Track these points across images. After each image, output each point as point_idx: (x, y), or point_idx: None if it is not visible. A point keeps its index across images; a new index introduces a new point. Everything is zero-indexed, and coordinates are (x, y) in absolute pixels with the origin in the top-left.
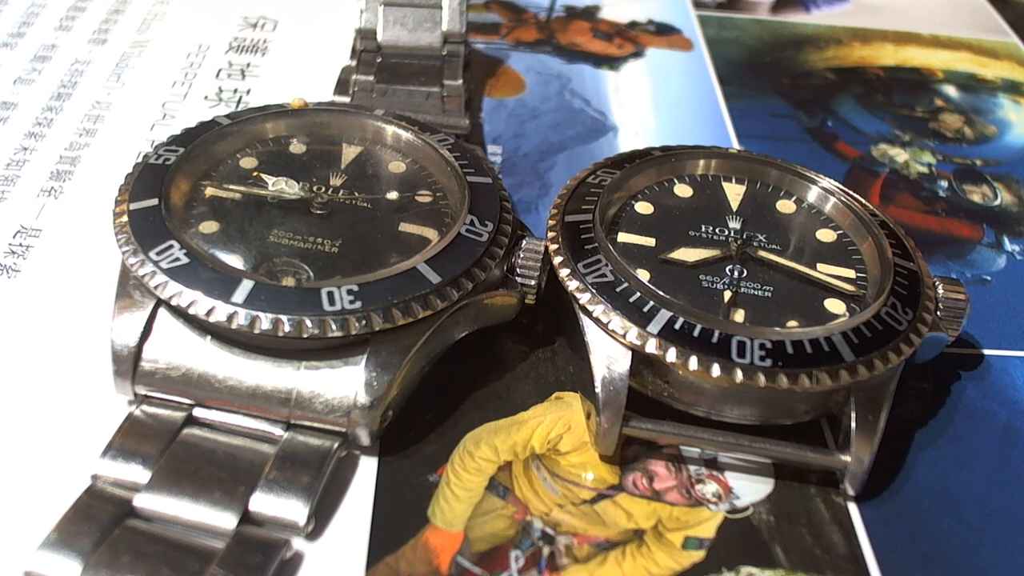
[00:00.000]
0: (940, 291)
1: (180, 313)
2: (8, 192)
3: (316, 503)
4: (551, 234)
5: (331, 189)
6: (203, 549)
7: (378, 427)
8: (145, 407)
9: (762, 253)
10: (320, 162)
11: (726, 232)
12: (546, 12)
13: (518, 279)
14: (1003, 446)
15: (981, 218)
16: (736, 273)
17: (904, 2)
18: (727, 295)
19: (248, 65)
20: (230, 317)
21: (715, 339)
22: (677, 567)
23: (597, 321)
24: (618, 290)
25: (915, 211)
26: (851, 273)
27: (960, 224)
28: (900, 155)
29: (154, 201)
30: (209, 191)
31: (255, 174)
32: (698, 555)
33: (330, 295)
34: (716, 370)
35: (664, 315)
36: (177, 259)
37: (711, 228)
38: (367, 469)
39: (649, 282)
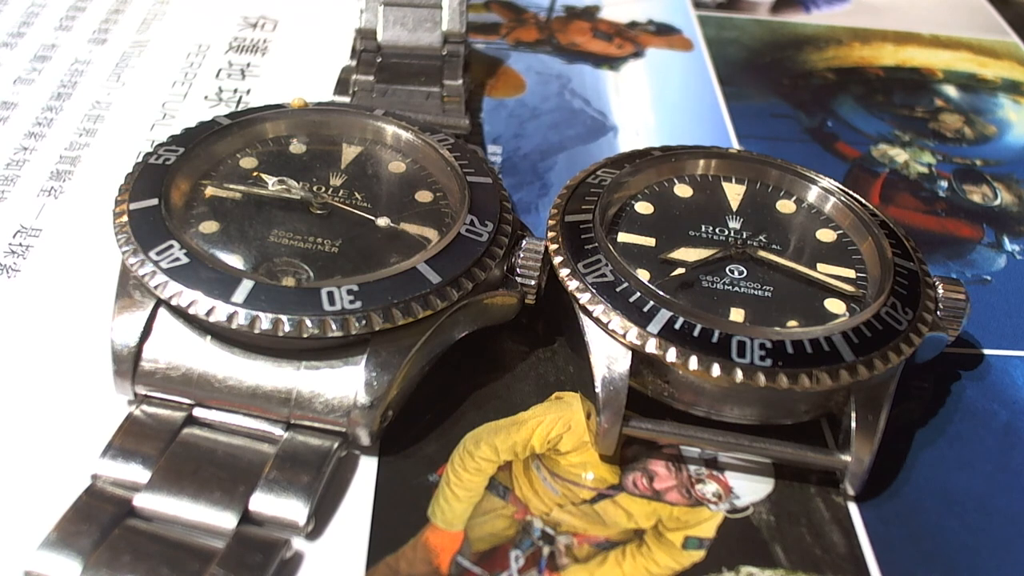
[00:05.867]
0: (940, 291)
1: (180, 313)
2: (8, 192)
3: (316, 503)
4: (551, 234)
5: (331, 189)
6: (203, 549)
7: (378, 427)
8: (145, 407)
9: (762, 253)
10: (320, 162)
11: (726, 232)
12: (546, 12)
13: (518, 279)
14: (1003, 446)
15: (981, 218)
16: (735, 272)
17: (904, 2)
18: (679, 271)
19: (248, 65)
20: (230, 317)
21: (715, 339)
22: (677, 567)
23: (597, 321)
24: (618, 290)
25: (915, 211)
26: (851, 273)
27: (960, 224)
28: (900, 155)
29: (154, 201)
30: (209, 191)
31: (255, 174)
32: (698, 555)
33: (330, 295)
34: (716, 370)
35: (664, 315)
36: (177, 259)
37: (711, 228)
38: (367, 469)
39: (649, 282)
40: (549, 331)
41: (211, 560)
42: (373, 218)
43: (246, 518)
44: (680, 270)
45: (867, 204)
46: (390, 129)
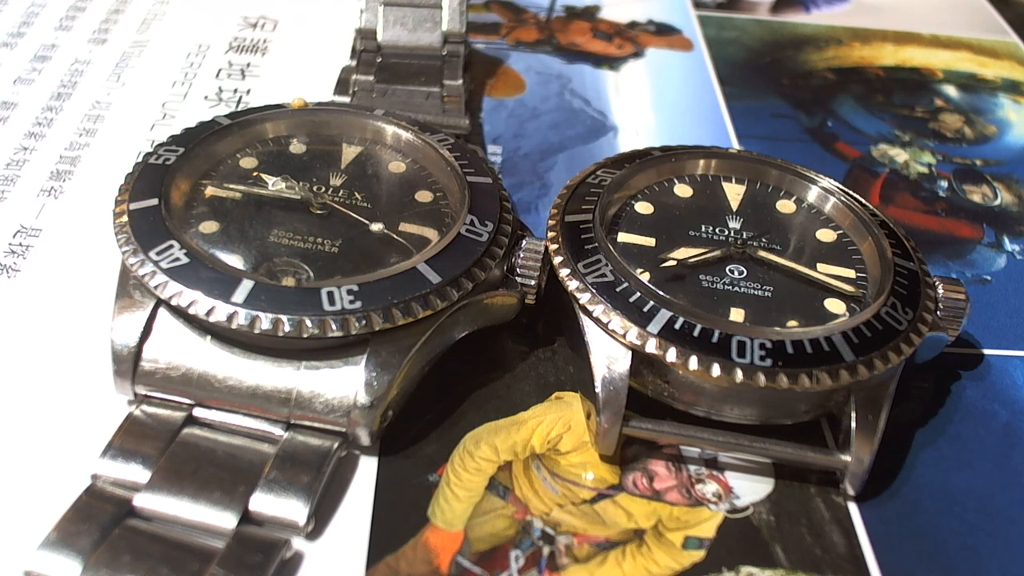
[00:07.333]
0: (940, 291)
1: (180, 313)
2: (8, 192)
3: (316, 503)
4: (551, 234)
5: (331, 189)
6: (203, 549)
7: (378, 427)
8: (145, 407)
9: (762, 253)
10: (320, 162)
11: (726, 232)
12: (546, 12)
13: (518, 279)
14: (1003, 446)
15: (981, 218)
16: (735, 272)
17: (904, 2)
18: (670, 263)
19: (248, 65)
20: (230, 317)
21: (715, 339)
22: (677, 567)
23: (597, 321)
24: (618, 290)
25: (915, 211)
26: (851, 273)
27: (960, 224)
28: (900, 155)
29: (154, 201)
30: (209, 191)
31: (255, 174)
32: (698, 555)
33: (330, 295)
34: (716, 370)
35: (664, 315)
36: (177, 259)
37: (711, 228)
38: (367, 469)
39: (649, 282)
40: (549, 331)
41: (211, 560)
42: (367, 222)
43: (246, 518)
44: (671, 262)
45: (867, 204)
46: (390, 129)
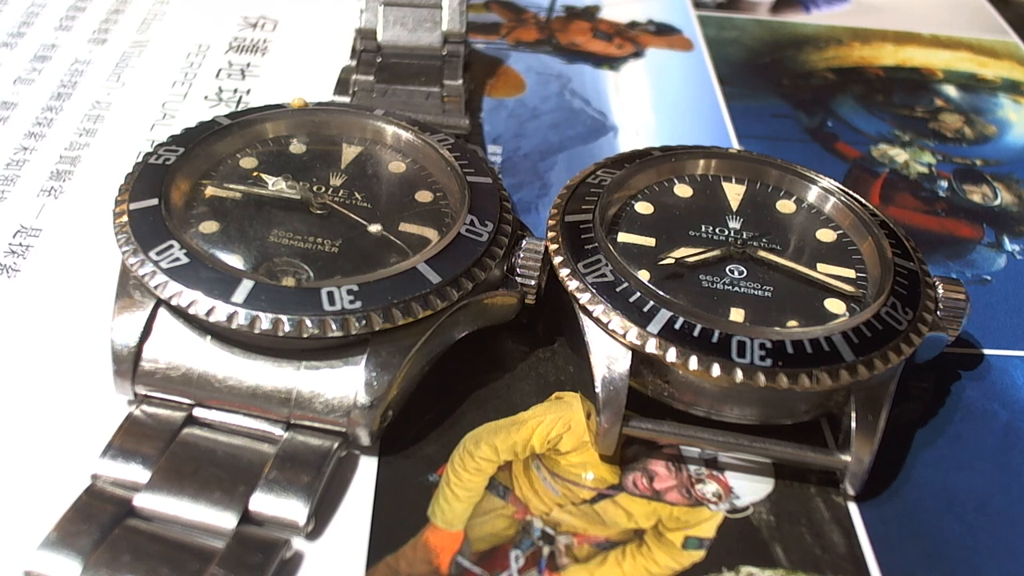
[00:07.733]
0: (940, 291)
1: (180, 313)
2: (8, 192)
3: (316, 503)
4: (551, 234)
5: (331, 189)
6: (203, 549)
7: (378, 427)
8: (145, 407)
9: (762, 253)
10: (320, 162)
11: (726, 232)
12: (546, 12)
13: (518, 279)
14: (1003, 446)
15: (981, 218)
16: (735, 272)
17: (904, 2)
18: (668, 260)
19: (248, 65)
20: (230, 317)
21: (715, 339)
22: (677, 567)
23: (597, 321)
24: (618, 290)
25: (915, 211)
26: (851, 273)
27: (960, 224)
28: (900, 155)
29: (154, 201)
30: (209, 191)
31: (255, 174)
32: (698, 555)
33: (330, 295)
34: (716, 370)
35: (664, 315)
36: (177, 259)
37: (711, 228)
38: (367, 469)
39: (649, 282)
40: (549, 331)
41: (211, 560)
42: (366, 223)
43: (246, 518)
44: (669, 260)
45: (867, 204)
46: (390, 129)
